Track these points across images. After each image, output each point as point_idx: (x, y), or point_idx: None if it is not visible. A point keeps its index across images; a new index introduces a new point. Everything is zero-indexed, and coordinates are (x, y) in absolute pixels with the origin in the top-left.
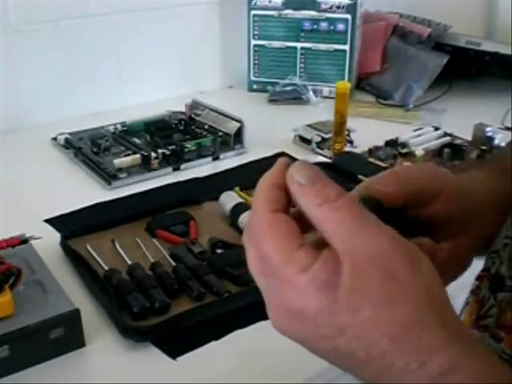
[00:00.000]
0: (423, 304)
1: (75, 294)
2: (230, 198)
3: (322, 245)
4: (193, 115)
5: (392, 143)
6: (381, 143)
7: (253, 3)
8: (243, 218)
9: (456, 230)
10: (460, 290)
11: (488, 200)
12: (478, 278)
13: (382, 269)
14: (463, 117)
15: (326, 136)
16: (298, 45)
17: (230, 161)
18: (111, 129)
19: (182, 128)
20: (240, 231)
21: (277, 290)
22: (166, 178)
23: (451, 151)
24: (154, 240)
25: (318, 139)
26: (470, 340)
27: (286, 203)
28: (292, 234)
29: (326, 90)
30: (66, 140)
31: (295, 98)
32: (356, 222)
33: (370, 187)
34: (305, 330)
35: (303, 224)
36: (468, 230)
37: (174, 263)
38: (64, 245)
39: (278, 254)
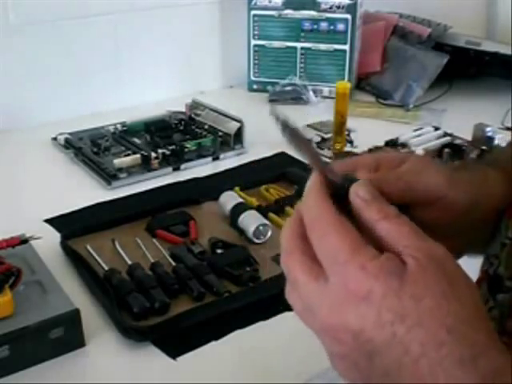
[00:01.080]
0: (476, 308)
1: (75, 294)
2: (229, 198)
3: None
4: (193, 115)
5: (392, 143)
6: (381, 143)
7: (253, 3)
8: (243, 218)
9: (445, 233)
10: None
11: (497, 208)
12: (477, 281)
13: (442, 269)
14: (463, 117)
15: (325, 136)
16: (298, 45)
17: (230, 161)
18: (111, 129)
19: (182, 128)
20: (240, 231)
21: (344, 279)
22: (166, 177)
23: (451, 151)
24: (154, 240)
25: (318, 139)
26: (505, 349)
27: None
28: (357, 234)
29: (326, 90)
30: (66, 140)
31: (295, 97)
32: (417, 233)
33: (366, 178)
34: (367, 314)
35: None
36: (461, 235)
37: (173, 263)
38: (64, 245)
39: (347, 245)
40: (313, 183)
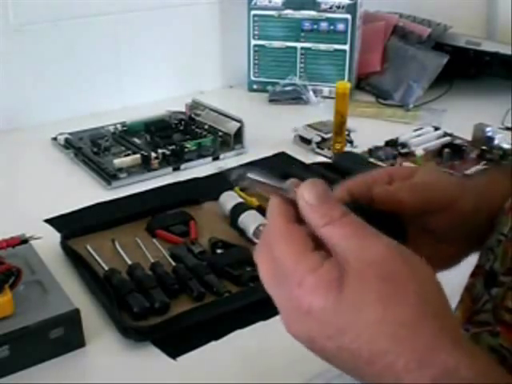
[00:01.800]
0: (422, 307)
1: (75, 294)
2: (229, 198)
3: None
4: (193, 115)
5: (392, 143)
6: (381, 143)
7: (253, 3)
8: (243, 218)
9: (455, 237)
10: (458, 290)
11: (500, 207)
12: (472, 274)
13: (379, 273)
14: (463, 117)
15: (326, 136)
16: (298, 45)
17: (229, 161)
18: (111, 129)
19: (182, 128)
20: (240, 231)
21: (288, 293)
22: (166, 177)
23: (451, 151)
24: (154, 240)
25: (318, 139)
26: (469, 344)
27: (298, 217)
28: (304, 240)
29: (326, 90)
30: (66, 140)
31: (295, 97)
32: (356, 237)
33: (384, 190)
34: (312, 329)
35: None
36: (469, 238)
37: (173, 263)
38: (64, 245)
39: (290, 256)
40: (272, 204)
